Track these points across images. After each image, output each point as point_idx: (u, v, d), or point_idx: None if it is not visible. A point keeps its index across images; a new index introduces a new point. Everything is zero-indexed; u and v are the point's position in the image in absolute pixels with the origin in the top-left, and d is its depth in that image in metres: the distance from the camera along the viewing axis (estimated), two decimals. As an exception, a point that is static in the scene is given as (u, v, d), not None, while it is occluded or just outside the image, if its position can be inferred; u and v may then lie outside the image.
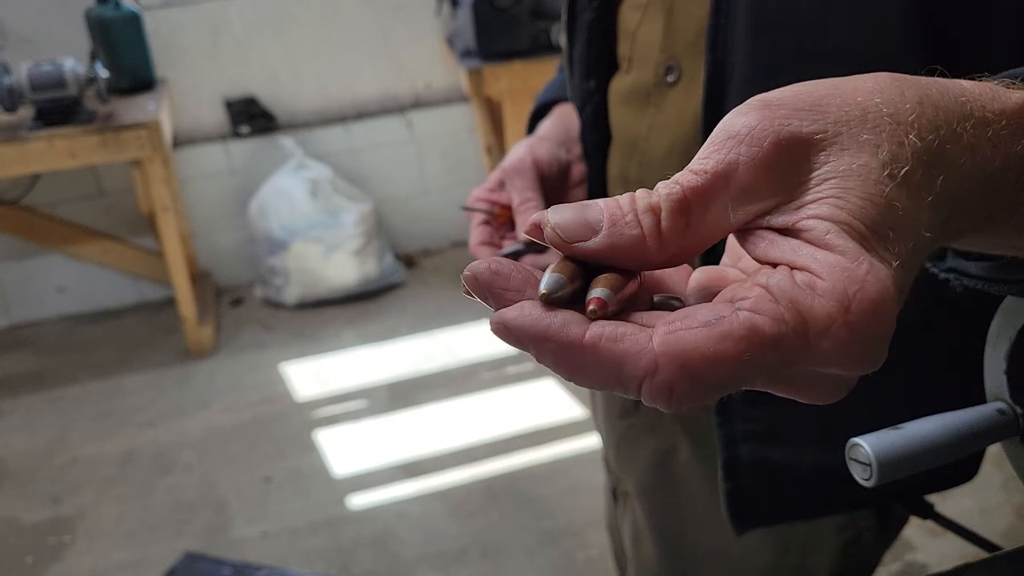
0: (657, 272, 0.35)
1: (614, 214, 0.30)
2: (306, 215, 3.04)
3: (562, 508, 2.10)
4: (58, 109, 2.52)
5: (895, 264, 0.29)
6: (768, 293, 0.29)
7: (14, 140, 2.49)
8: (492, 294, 0.31)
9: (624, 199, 0.31)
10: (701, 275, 0.36)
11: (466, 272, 0.31)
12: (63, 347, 3.07)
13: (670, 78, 0.68)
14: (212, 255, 3.33)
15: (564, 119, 0.83)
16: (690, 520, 0.78)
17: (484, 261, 0.31)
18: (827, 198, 0.29)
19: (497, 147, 3.29)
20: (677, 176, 0.31)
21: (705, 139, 0.62)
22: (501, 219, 0.75)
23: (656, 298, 0.33)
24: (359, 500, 2.21)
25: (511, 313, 0.30)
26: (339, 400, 2.63)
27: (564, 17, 0.77)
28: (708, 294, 0.34)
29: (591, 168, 0.78)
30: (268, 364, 2.85)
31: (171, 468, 2.39)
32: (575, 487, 2.17)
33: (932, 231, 0.30)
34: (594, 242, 0.30)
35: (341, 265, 3.10)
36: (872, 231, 0.29)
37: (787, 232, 0.30)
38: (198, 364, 2.88)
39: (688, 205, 0.30)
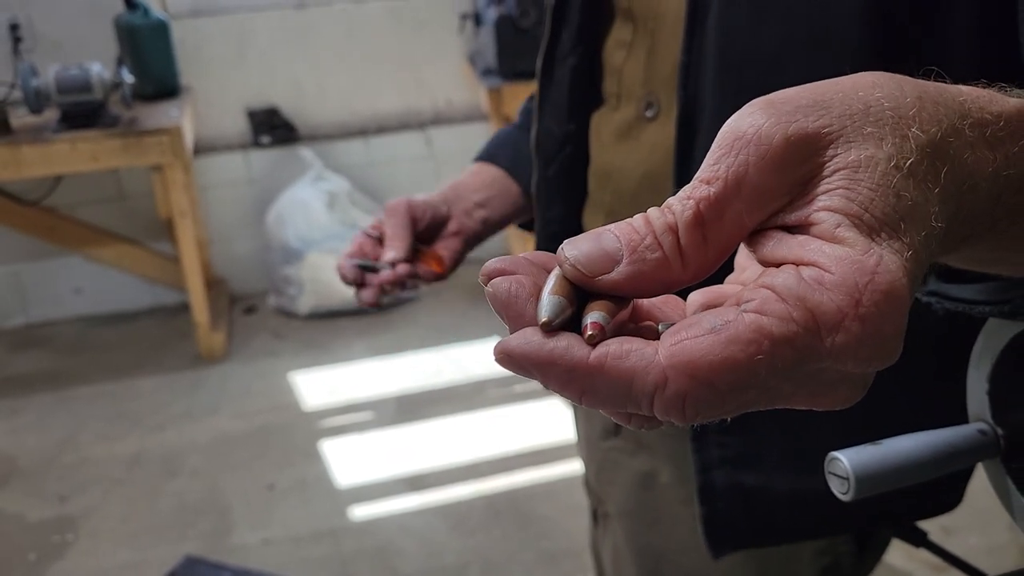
0: (648, 303, 0.35)
1: (632, 240, 0.30)
2: (322, 226, 3.07)
3: (563, 528, 2.10)
4: (83, 112, 2.56)
5: (908, 254, 0.28)
6: (774, 293, 0.28)
7: (38, 141, 2.53)
8: (508, 317, 0.30)
9: (638, 222, 0.30)
10: (700, 296, 0.36)
11: (488, 288, 0.31)
12: (78, 348, 3.10)
13: (649, 112, 0.69)
14: (228, 262, 3.35)
15: (458, 185, 0.92)
16: (670, 543, 0.78)
17: (507, 280, 0.30)
18: (837, 190, 0.29)
19: (515, 166, 3.30)
20: (688, 189, 0.30)
21: (679, 172, 0.63)
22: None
23: (661, 326, 0.32)
24: (362, 511, 2.21)
25: (514, 341, 0.29)
26: (347, 411, 2.64)
27: (540, 63, 0.78)
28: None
29: (562, 209, 0.80)
30: (278, 372, 2.86)
31: (178, 472, 2.40)
32: (577, 508, 2.16)
33: (942, 221, 0.30)
34: (617, 272, 0.29)
35: (355, 277, 3.11)
36: (883, 222, 0.28)
37: (798, 228, 0.30)
38: (209, 370, 2.89)
39: (703, 217, 0.29)
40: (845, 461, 0.38)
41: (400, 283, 0.83)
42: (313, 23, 3.20)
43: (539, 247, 0.83)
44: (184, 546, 2.11)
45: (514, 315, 0.30)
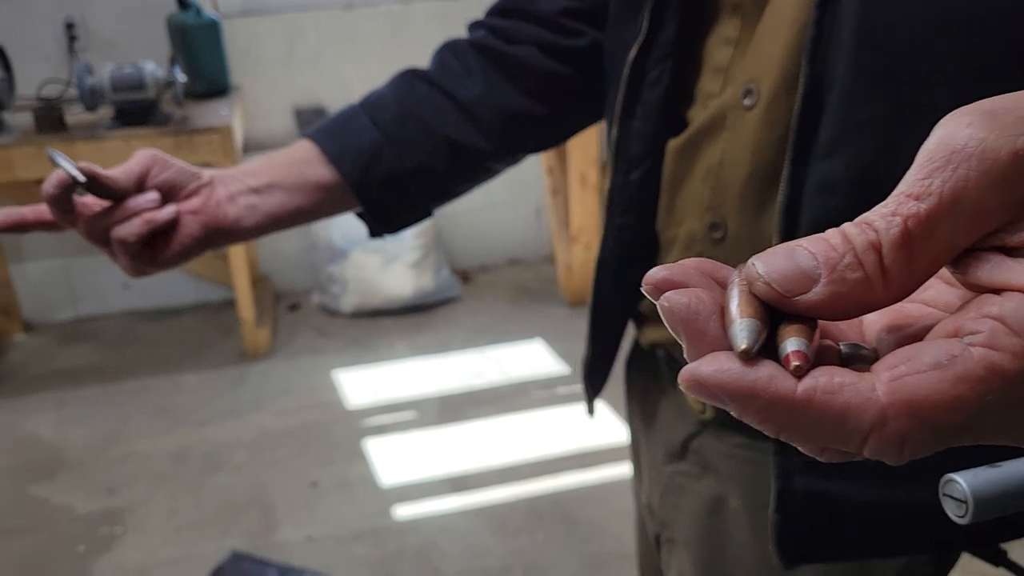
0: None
1: (830, 257, 0.28)
2: (367, 225, 3.08)
3: (608, 533, 2.08)
4: (136, 110, 2.60)
5: None
6: (1003, 325, 0.26)
7: (92, 138, 2.57)
8: (687, 335, 0.28)
9: (834, 238, 0.28)
10: (881, 317, 0.34)
11: (663, 302, 0.29)
12: (124, 342, 3.15)
13: (747, 101, 0.65)
14: (273, 260, 3.38)
15: (247, 165, 0.80)
16: (739, 570, 0.74)
17: (685, 294, 0.28)
18: None
19: (559, 167, 3.29)
20: (891, 204, 0.28)
21: (796, 156, 0.60)
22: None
23: (843, 348, 0.30)
24: (404, 511, 2.22)
25: (707, 368, 0.27)
26: (389, 410, 2.65)
27: (630, 65, 0.72)
28: (901, 336, 0.31)
29: (639, 214, 0.75)
30: (322, 370, 2.88)
31: (222, 467, 2.42)
32: (622, 512, 2.15)
33: None
34: (815, 293, 0.28)
35: (398, 276, 3.13)
36: None
37: (1021, 250, 0.27)
38: (253, 366, 2.92)
39: (910, 235, 0.27)
40: (963, 484, 0.37)
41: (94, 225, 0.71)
42: (360, 23, 3.22)
43: (605, 253, 0.79)
44: (228, 541, 2.13)
45: (694, 333, 0.28)
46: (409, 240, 3.11)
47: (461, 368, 2.85)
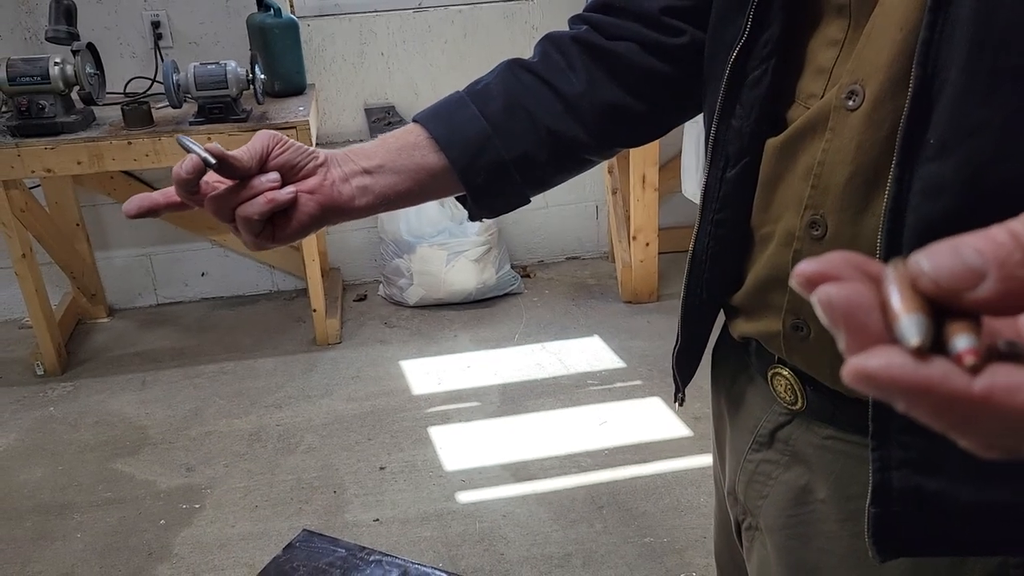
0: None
1: (998, 255, 0.27)
2: (434, 221, 3.18)
3: (664, 525, 2.15)
4: (218, 106, 2.72)
5: None
6: None
7: (177, 132, 2.70)
8: (848, 328, 0.28)
9: (1001, 236, 0.28)
10: None
11: (820, 295, 0.29)
12: (202, 327, 3.29)
13: (851, 102, 0.64)
14: (342, 252, 3.50)
15: (361, 146, 0.82)
16: (825, 561, 0.73)
17: (844, 287, 0.28)
18: None
19: (619, 167, 3.35)
20: None
21: (903, 158, 0.59)
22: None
23: (1002, 344, 0.29)
24: (467, 497, 2.30)
25: (876, 361, 0.27)
26: (453, 399, 2.74)
27: (731, 63, 0.72)
28: None
29: (736, 210, 0.74)
30: (388, 359, 2.98)
31: (294, 449, 2.54)
32: (678, 505, 2.21)
33: None
34: (984, 290, 0.27)
35: (462, 271, 3.22)
36: None
37: None
38: (323, 353, 3.04)
39: None
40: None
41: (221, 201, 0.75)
42: (431, 24, 3.31)
43: (698, 248, 0.78)
44: (301, 521, 2.23)
45: (855, 326, 0.28)
46: (474, 236, 3.19)
47: (521, 360, 2.93)
